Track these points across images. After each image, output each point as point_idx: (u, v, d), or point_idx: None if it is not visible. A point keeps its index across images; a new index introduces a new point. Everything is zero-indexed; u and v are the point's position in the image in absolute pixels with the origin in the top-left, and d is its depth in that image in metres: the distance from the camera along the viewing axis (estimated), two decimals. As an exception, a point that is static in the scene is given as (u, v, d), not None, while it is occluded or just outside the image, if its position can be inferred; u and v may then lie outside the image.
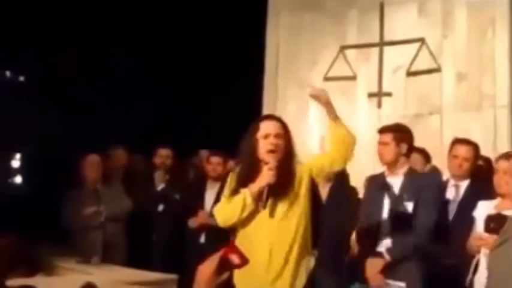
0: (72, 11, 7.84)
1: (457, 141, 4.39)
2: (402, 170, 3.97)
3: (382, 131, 4.06)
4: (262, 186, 3.06)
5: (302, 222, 3.15)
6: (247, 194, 3.07)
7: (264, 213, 3.10)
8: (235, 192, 3.13)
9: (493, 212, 3.66)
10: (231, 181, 3.22)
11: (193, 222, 5.40)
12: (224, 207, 3.17)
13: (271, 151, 3.09)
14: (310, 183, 3.21)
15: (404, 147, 3.98)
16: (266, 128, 3.13)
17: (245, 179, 3.13)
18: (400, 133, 4.01)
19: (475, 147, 4.37)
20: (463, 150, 4.29)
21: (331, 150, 3.16)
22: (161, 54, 8.21)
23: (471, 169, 4.31)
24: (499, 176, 3.72)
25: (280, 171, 3.07)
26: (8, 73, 9.38)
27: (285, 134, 3.17)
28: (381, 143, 4.02)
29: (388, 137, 3.99)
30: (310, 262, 3.29)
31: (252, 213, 3.10)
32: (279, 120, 3.22)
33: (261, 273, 3.07)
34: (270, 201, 3.08)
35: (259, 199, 3.07)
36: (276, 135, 3.12)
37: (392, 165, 3.99)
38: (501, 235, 3.45)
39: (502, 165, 3.74)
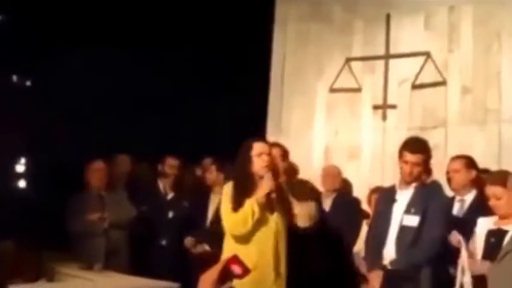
0: (79, 17, 7.89)
1: (450, 159, 4.57)
2: (414, 184, 3.97)
3: (415, 151, 3.96)
4: (266, 194, 3.56)
5: None
6: (254, 203, 3.53)
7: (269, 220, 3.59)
8: (239, 203, 3.57)
9: (493, 227, 3.63)
10: (228, 195, 3.67)
11: (188, 242, 5.50)
12: (233, 217, 3.56)
13: (266, 166, 3.65)
14: None
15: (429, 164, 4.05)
16: (258, 147, 3.70)
17: (244, 191, 3.60)
18: (429, 154, 4.03)
19: (465, 159, 4.45)
20: (452, 164, 4.44)
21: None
22: (167, 63, 8.25)
23: (467, 181, 4.37)
24: (492, 202, 3.64)
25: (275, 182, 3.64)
26: (14, 77, 9.41)
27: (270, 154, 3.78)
28: (411, 163, 3.94)
29: (419, 158, 3.94)
30: None
31: (259, 220, 3.54)
32: (266, 142, 3.95)
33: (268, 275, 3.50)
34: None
35: (265, 207, 3.54)
36: (268, 154, 3.71)
37: (412, 181, 3.98)
38: (503, 249, 3.46)
39: (490, 190, 3.66)
